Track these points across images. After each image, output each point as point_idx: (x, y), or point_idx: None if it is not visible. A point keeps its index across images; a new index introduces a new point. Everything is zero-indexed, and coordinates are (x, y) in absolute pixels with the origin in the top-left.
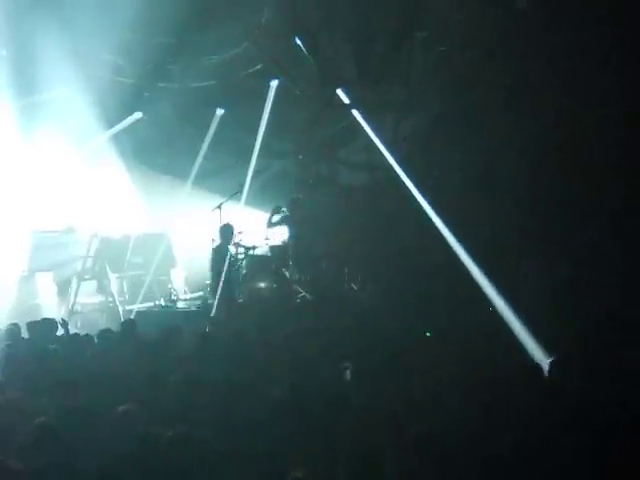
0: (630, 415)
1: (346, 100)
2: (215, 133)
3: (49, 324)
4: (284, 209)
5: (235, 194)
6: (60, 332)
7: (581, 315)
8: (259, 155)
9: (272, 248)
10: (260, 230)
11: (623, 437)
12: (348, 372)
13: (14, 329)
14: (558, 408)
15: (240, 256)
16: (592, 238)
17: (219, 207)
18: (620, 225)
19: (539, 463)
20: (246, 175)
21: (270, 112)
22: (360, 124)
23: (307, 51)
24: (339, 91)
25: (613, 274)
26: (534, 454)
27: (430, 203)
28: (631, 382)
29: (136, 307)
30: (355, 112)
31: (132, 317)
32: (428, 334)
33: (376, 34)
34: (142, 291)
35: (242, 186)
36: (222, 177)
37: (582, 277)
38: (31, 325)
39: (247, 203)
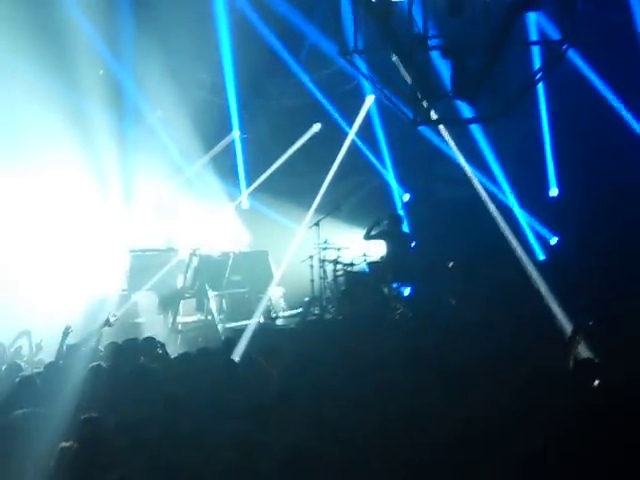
0: None
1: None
2: (311, 150)
3: (149, 343)
4: (385, 222)
5: (334, 210)
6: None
7: None
8: (356, 171)
9: (370, 264)
10: (358, 247)
11: None
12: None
13: (113, 347)
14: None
15: (339, 273)
16: None
17: (317, 224)
18: None
19: None
20: (343, 191)
21: (363, 127)
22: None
23: (403, 67)
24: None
25: None
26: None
27: None
28: None
29: (235, 325)
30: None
31: (230, 336)
32: None
33: (472, 48)
34: (241, 309)
35: (340, 202)
36: (320, 194)
37: None
38: (128, 343)
39: (345, 219)
